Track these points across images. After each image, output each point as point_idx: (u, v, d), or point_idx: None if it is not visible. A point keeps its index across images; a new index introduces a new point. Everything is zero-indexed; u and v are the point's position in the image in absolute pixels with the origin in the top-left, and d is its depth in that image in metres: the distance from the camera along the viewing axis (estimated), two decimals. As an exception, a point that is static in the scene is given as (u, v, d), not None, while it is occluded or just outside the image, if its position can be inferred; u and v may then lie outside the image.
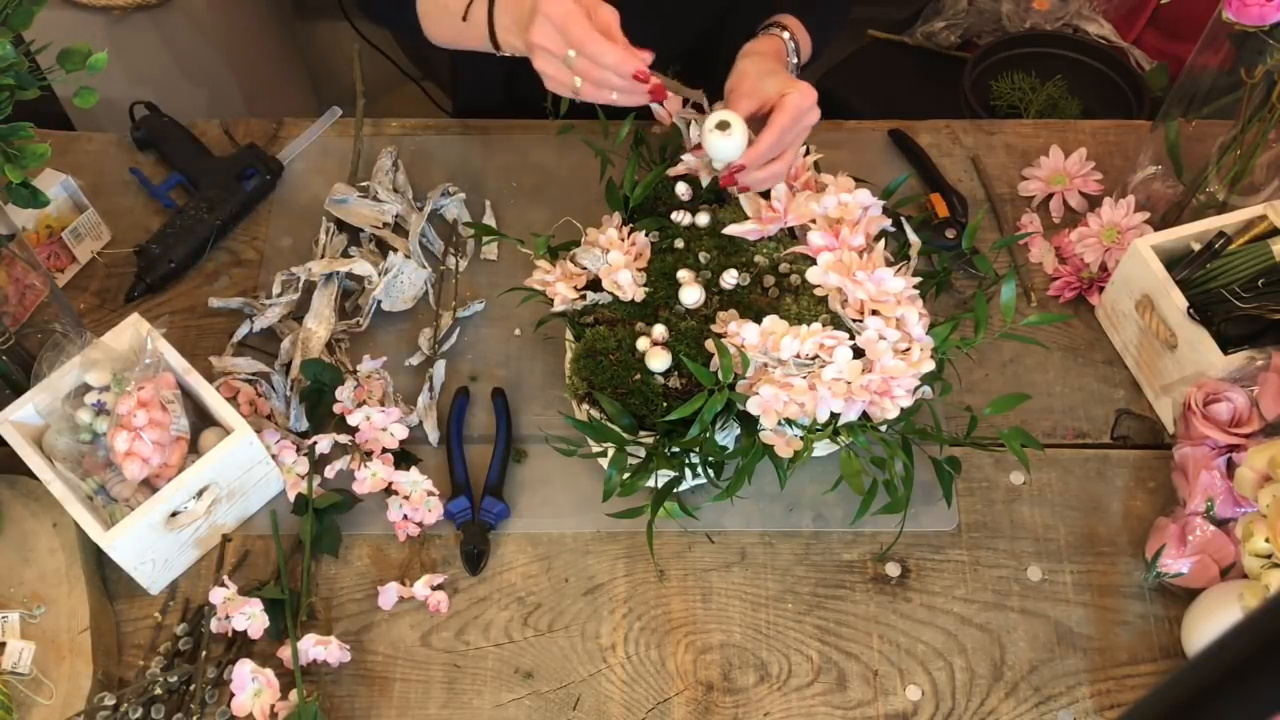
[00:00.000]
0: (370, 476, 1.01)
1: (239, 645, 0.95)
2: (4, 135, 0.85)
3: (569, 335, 1.00)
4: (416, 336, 1.12)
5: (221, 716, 0.90)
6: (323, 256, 1.15)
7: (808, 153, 1.02)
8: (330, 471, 1.02)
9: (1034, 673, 0.95)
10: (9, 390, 1.00)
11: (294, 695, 0.90)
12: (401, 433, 1.03)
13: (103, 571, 0.99)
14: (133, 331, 1.00)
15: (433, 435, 1.06)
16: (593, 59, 0.87)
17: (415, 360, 1.11)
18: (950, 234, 1.17)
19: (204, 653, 0.92)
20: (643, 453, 0.92)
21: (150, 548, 0.94)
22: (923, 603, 0.98)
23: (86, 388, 0.96)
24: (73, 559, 0.96)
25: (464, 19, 0.98)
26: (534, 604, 0.98)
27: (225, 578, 0.96)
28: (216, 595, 0.94)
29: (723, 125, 0.91)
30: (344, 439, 1.03)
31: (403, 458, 1.04)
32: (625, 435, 0.91)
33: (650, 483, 0.95)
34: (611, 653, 0.96)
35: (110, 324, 1.02)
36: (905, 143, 1.26)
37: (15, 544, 0.97)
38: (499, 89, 1.38)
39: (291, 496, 1.02)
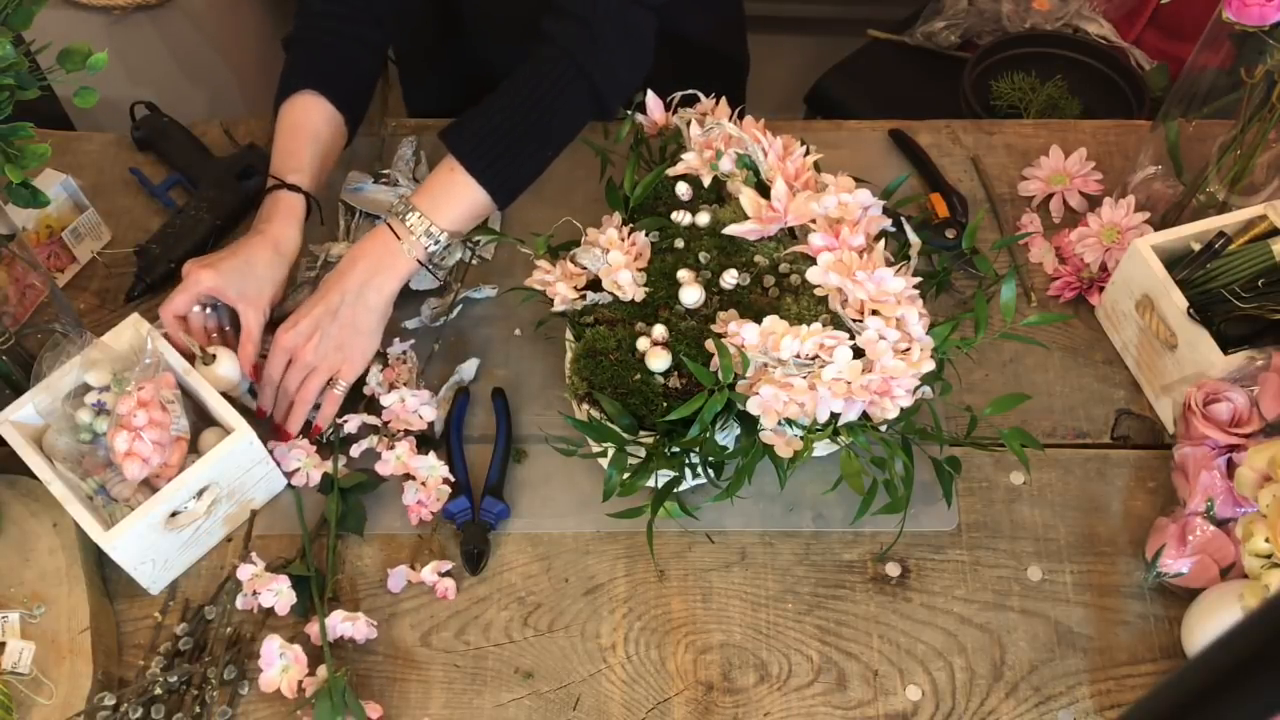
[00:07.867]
0: (395, 459, 1.02)
1: (260, 624, 0.96)
2: (4, 135, 0.85)
3: (569, 335, 1.00)
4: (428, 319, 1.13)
5: (222, 716, 0.90)
6: (344, 239, 1.17)
7: (808, 153, 1.02)
8: (355, 451, 1.03)
9: (1034, 673, 0.95)
10: (9, 390, 1.00)
11: (322, 670, 0.91)
12: (430, 414, 1.04)
13: (103, 571, 0.99)
14: (133, 331, 1.00)
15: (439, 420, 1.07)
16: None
17: (412, 324, 1.11)
18: (950, 234, 1.17)
19: (205, 654, 0.93)
20: (643, 453, 0.92)
21: (150, 548, 0.94)
22: (923, 603, 0.98)
23: (86, 388, 0.96)
24: (73, 559, 0.96)
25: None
26: (534, 604, 0.98)
27: (253, 554, 0.97)
28: (244, 571, 0.95)
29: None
30: (373, 420, 1.04)
31: (423, 441, 1.05)
32: (625, 435, 0.91)
33: (650, 483, 0.95)
34: (611, 653, 0.96)
35: (110, 324, 1.02)
36: (905, 143, 1.26)
37: (15, 544, 0.97)
38: (447, 98, 1.33)
39: (315, 480, 1.03)
